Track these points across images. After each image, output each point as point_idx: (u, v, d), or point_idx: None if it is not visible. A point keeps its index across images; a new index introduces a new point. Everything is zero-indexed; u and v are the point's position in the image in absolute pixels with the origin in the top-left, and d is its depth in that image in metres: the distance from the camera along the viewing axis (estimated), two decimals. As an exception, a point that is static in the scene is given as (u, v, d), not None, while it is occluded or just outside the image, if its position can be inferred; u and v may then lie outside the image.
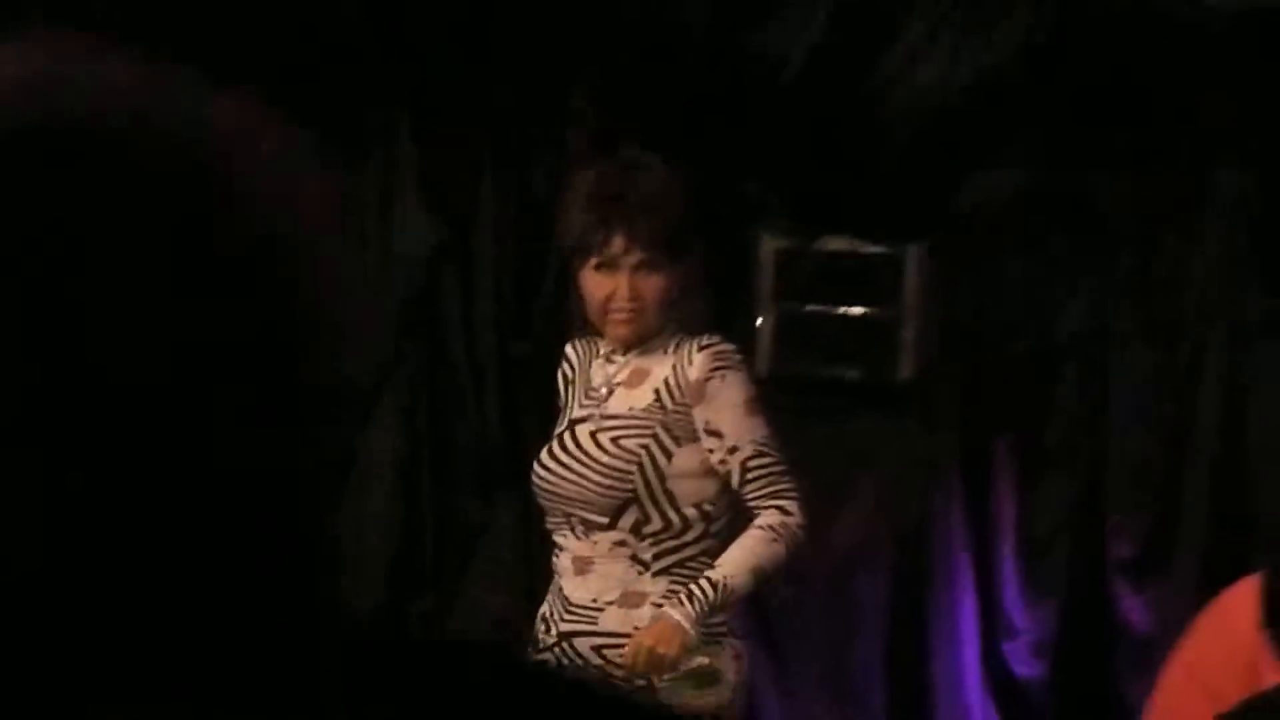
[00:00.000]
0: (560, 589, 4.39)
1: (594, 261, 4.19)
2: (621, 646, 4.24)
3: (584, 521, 4.23)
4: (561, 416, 4.46)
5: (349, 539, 5.31)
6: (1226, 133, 5.10)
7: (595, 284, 4.23)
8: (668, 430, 4.23)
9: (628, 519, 4.24)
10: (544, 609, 4.44)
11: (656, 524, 4.22)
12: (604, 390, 4.34)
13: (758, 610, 5.02)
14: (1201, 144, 5.06)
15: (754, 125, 5.32)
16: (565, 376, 4.49)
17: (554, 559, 4.43)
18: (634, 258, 4.16)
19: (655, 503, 4.23)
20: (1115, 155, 5.09)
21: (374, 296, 5.29)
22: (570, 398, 4.45)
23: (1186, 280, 5.14)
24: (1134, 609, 5.37)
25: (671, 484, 4.21)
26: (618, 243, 4.15)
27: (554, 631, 4.31)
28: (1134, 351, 5.22)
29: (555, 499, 4.28)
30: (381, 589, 5.51)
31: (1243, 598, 2.58)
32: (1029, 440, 5.27)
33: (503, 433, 5.23)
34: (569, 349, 4.47)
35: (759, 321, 5.50)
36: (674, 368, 4.21)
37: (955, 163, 5.29)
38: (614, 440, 4.26)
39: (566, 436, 4.32)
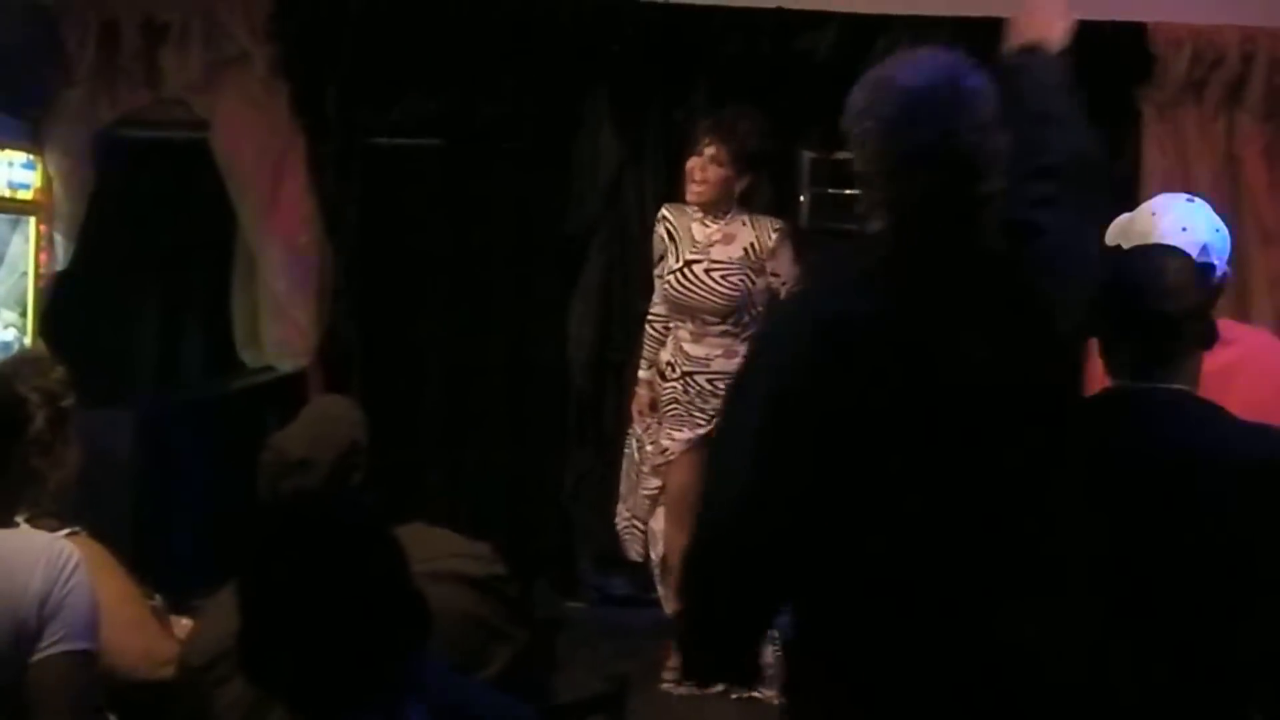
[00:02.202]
0: (681, 348, 5.88)
1: (693, 152, 5.98)
2: (722, 381, 5.68)
3: (703, 320, 5.91)
4: (673, 253, 5.90)
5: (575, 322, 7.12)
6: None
7: (689, 164, 5.98)
8: (751, 270, 5.85)
9: (730, 319, 5.89)
10: (666, 356, 5.95)
11: (745, 319, 5.88)
12: (705, 244, 5.92)
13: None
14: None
15: (798, 92, 6.79)
16: (668, 227, 5.95)
17: (673, 333, 5.95)
18: (709, 150, 5.92)
19: (745, 309, 5.86)
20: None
21: (590, 186, 7.13)
22: (676, 241, 5.91)
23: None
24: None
25: (755, 298, 5.85)
26: (704, 143, 5.94)
27: (678, 372, 5.90)
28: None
29: (683, 306, 5.92)
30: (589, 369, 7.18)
31: (1090, 350, 3.36)
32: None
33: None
34: (665, 210, 6.09)
35: (801, 198, 7.09)
36: (756, 236, 5.90)
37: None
38: (724, 277, 5.85)
39: (687, 270, 5.87)
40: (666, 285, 5.93)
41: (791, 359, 2.48)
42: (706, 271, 5.84)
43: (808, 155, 7.08)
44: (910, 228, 2.56)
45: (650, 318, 6.18)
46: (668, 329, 6.07)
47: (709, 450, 3.76)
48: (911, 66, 2.72)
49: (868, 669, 2.38)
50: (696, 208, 5.93)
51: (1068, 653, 2.40)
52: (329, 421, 3.51)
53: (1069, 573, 2.48)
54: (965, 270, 2.51)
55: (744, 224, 5.88)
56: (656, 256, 6.11)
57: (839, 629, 2.47)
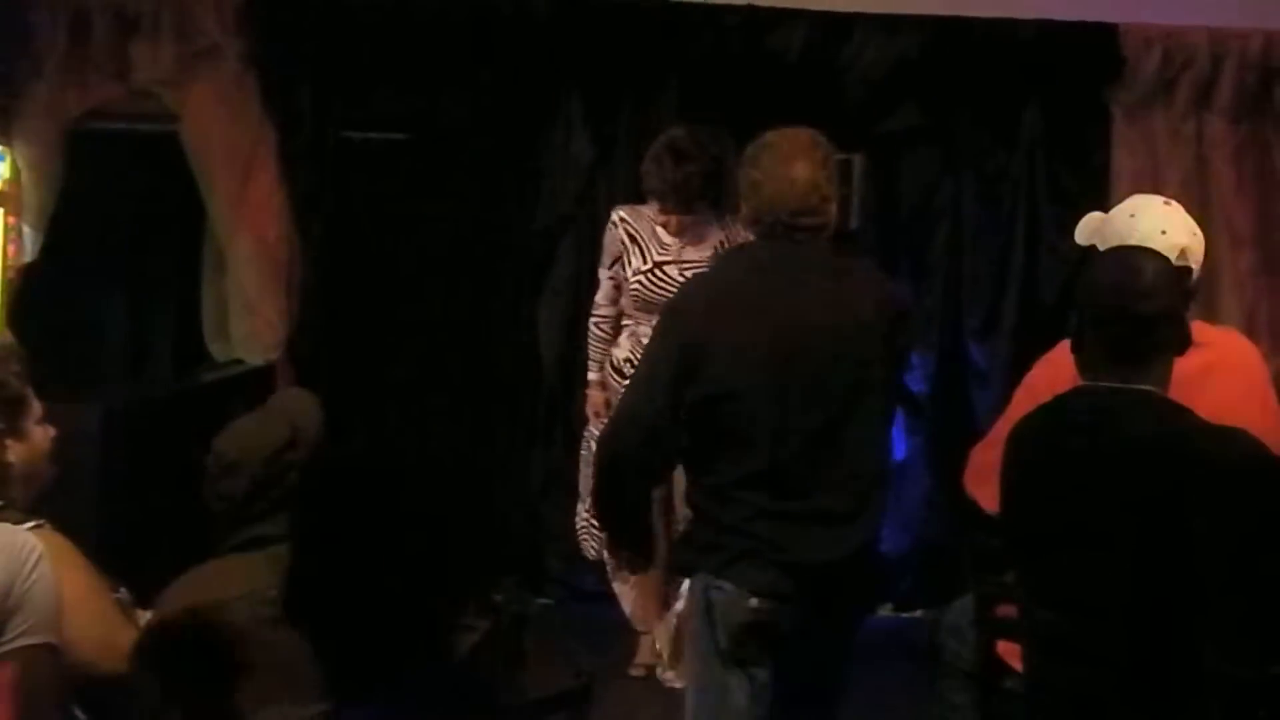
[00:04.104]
0: (642, 344, 5.54)
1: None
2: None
3: None
4: (637, 254, 5.99)
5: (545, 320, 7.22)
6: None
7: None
8: None
9: None
10: (624, 354, 6.00)
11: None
12: (677, 246, 6.05)
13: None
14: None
15: (769, 90, 6.80)
16: (628, 229, 6.10)
17: (631, 331, 6.00)
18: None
19: None
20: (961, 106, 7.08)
21: (561, 184, 7.22)
22: (640, 244, 6.04)
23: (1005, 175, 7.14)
24: (978, 354, 7.19)
25: None
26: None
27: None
28: (978, 214, 7.20)
29: (655, 306, 5.79)
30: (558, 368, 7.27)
31: (1062, 348, 3.63)
32: (920, 260, 7.18)
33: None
34: (621, 213, 6.11)
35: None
36: (726, 235, 5.95)
37: (879, 108, 7.11)
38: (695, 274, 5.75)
39: (659, 270, 5.96)
40: (636, 286, 5.97)
41: (690, 313, 4.04)
42: (681, 272, 5.87)
43: (857, 159, 7.06)
44: (767, 242, 4.06)
45: (596, 319, 6.20)
46: (615, 329, 6.14)
47: (637, 365, 4.50)
48: (788, 143, 4.04)
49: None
50: (655, 211, 6.00)
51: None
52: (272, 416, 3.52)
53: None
54: (801, 265, 3.99)
55: (711, 223, 5.94)
56: (610, 258, 6.12)
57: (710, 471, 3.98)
